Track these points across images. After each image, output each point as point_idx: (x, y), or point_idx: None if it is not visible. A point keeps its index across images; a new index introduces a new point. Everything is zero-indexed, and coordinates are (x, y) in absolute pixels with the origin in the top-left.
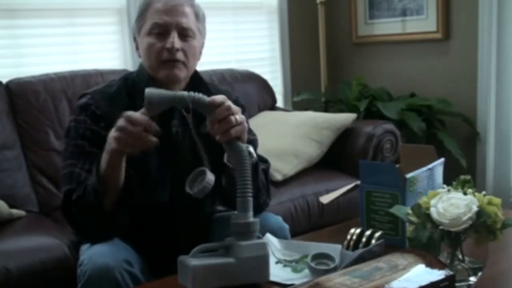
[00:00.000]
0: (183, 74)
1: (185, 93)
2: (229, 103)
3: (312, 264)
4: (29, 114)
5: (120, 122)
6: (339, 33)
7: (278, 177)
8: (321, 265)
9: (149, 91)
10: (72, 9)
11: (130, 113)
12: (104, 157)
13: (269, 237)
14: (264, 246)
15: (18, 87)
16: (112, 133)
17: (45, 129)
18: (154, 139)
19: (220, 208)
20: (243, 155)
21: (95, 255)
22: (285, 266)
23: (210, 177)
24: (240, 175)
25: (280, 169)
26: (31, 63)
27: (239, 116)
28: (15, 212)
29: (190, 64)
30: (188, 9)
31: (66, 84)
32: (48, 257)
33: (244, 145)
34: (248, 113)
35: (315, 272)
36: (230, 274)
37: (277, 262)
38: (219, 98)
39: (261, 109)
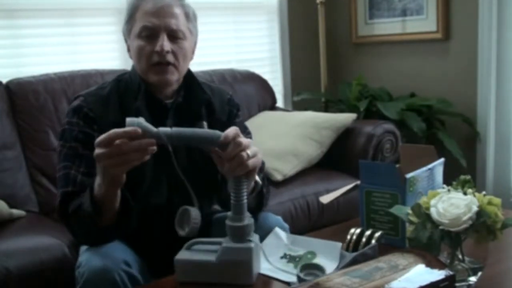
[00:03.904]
0: (174, 77)
1: (209, 132)
2: (240, 138)
3: (301, 275)
4: (29, 114)
5: (104, 149)
6: (339, 33)
7: (278, 177)
8: (310, 276)
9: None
10: (72, 9)
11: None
12: (100, 185)
13: (278, 231)
14: (248, 251)
15: (18, 87)
16: (103, 162)
17: (45, 129)
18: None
19: (218, 208)
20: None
21: (93, 256)
22: (289, 261)
23: (195, 215)
24: (235, 182)
25: (280, 169)
26: (31, 63)
27: (251, 150)
28: (15, 212)
29: (181, 66)
30: (177, 10)
31: (66, 84)
32: (48, 257)
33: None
34: (248, 113)
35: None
36: (211, 273)
37: (281, 257)
38: (231, 133)
39: (261, 109)
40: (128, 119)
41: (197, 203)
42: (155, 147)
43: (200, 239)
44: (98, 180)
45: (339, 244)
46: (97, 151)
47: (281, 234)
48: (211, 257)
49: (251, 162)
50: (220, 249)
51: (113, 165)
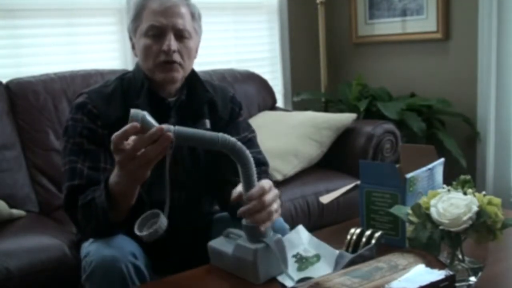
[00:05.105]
0: (180, 75)
1: (217, 134)
2: (268, 195)
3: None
4: (29, 114)
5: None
6: (339, 33)
7: (278, 177)
8: None
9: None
10: (72, 9)
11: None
12: (118, 183)
13: (300, 229)
14: (253, 252)
15: (18, 87)
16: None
17: (45, 129)
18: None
19: (218, 208)
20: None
21: (102, 246)
22: (296, 261)
23: (164, 222)
24: (245, 184)
25: (280, 169)
26: (31, 63)
27: (275, 206)
28: (15, 212)
29: (187, 65)
30: (184, 10)
31: (66, 84)
32: (48, 257)
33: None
34: (248, 113)
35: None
36: (228, 263)
37: (293, 256)
38: (257, 191)
39: (261, 109)
40: (132, 111)
41: (168, 209)
42: (170, 134)
43: (235, 230)
44: (115, 179)
45: (336, 252)
46: (116, 159)
47: (301, 232)
48: (229, 250)
49: (269, 222)
50: (235, 245)
51: (137, 166)
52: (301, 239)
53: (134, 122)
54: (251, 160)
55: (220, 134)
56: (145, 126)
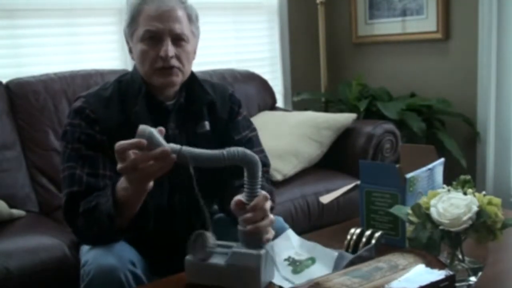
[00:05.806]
0: (179, 79)
1: (223, 152)
2: (267, 204)
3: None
4: (29, 114)
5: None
6: (339, 33)
7: (278, 177)
8: None
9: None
10: (72, 9)
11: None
12: (126, 189)
13: (289, 233)
14: (257, 258)
15: (18, 87)
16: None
17: (45, 129)
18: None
19: (217, 208)
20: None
21: (100, 255)
22: (289, 264)
23: (212, 241)
24: (248, 187)
25: (280, 169)
26: (31, 63)
27: (272, 215)
28: (15, 212)
29: (186, 68)
30: (180, 13)
31: (66, 84)
32: (48, 257)
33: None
34: (248, 113)
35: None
36: (219, 276)
37: (285, 259)
38: (262, 201)
39: (261, 109)
40: (140, 127)
41: (207, 209)
42: (174, 156)
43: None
44: (123, 184)
45: (335, 254)
46: (118, 166)
47: (291, 236)
48: (221, 261)
49: (270, 235)
50: (230, 254)
51: (137, 178)
52: (291, 243)
53: (140, 140)
54: (259, 166)
55: (226, 151)
56: (151, 142)
